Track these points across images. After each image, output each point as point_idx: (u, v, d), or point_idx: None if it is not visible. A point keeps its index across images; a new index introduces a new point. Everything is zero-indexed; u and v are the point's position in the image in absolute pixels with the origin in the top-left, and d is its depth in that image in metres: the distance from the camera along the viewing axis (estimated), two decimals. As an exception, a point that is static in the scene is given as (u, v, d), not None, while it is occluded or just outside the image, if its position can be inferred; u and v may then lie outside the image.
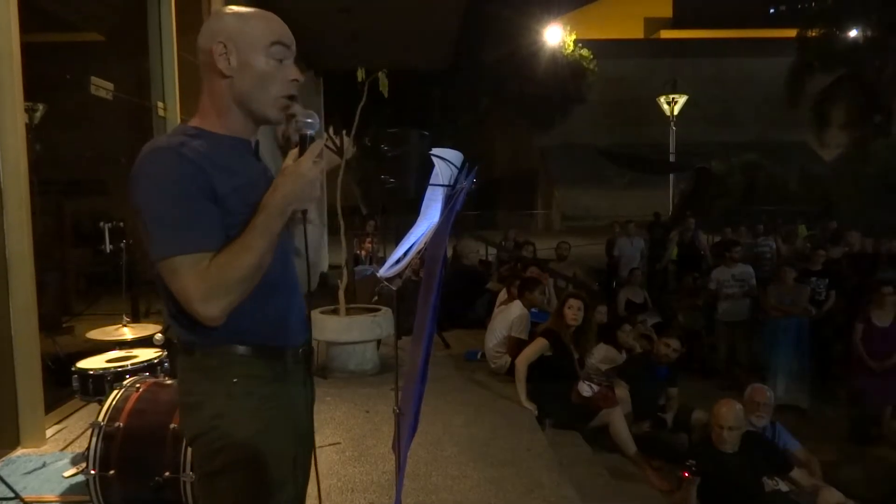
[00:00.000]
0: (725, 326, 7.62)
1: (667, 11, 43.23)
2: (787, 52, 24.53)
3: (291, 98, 1.54)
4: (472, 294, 8.19)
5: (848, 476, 5.28)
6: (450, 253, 9.49)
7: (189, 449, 2.61)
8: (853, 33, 22.85)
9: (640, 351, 6.08)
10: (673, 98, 19.90)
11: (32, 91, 4.09)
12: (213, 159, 1.44)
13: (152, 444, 2.72)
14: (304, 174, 1.42)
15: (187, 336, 1.50)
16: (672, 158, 20.51)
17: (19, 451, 3.81)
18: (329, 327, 5.66)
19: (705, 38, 34.51)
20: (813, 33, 23.30)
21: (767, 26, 37.89)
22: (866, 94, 21.65)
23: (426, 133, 4.75)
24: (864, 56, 22.13)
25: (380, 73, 5.53)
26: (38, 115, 4.93)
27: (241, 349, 1.50)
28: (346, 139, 6.76)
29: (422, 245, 1.65)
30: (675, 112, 19.96)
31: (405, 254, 1.64)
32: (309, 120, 1.50)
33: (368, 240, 9.73)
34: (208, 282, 1.35)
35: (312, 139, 1.49)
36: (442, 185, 1.62)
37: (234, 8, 1.54)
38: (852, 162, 20.08)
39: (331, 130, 8.17)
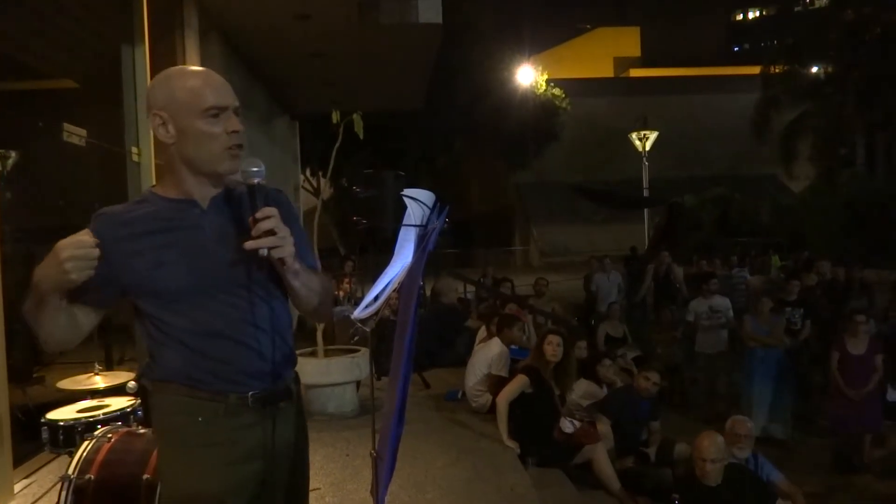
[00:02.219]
0: (704, 358, 7.64)
1: (635, 51, 44.52)
2: (753, 89, 25.28)
3: (238, 147, 1.58)
4: (452, 332, 8.15)
5: (831, 506, 5.29)
6: (428, 292, 9.47)
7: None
8: (814, 69, 23.64)
9: (620, 385, 6.07)
10: (644, 134, 20.33)
11: (4, 139, 4.07)
12: (137, 223, 1.59)
13: (125, 496, 2.64)
14: (56, 253, 1.43)
15: (148, 377, 1.67)
16: (646, 193, 20.84)
17: (-14, 508, 3.68)
18: (307, 369, 5.58)
19: (673, 76, 35.51)
20: (776, 70, 24.06)
21: (732, 64, 39.13)
22: (830, 127, 22.30)
23: (402, 173, 4.79)
24: (825, 91, 22.86)
25: (355, 115, 5.57)
26: (10, 162, 4.89)
27: (180, 389, 1.59)
28: (322, 180, 6.79)
29: (395, 286, 1.65)
30: (647, 148, 20.37)
31: (378, 295, 1.64)
32: (254, 168, 1.53)
33: (347, 280, 9.70)
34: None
35: (263, 188, 1.54)
36: (414, 226, 1.63)
37: (168, 73, 1.61)
38: (821, 193, 20.54)
39: (307, 172, 8.19)
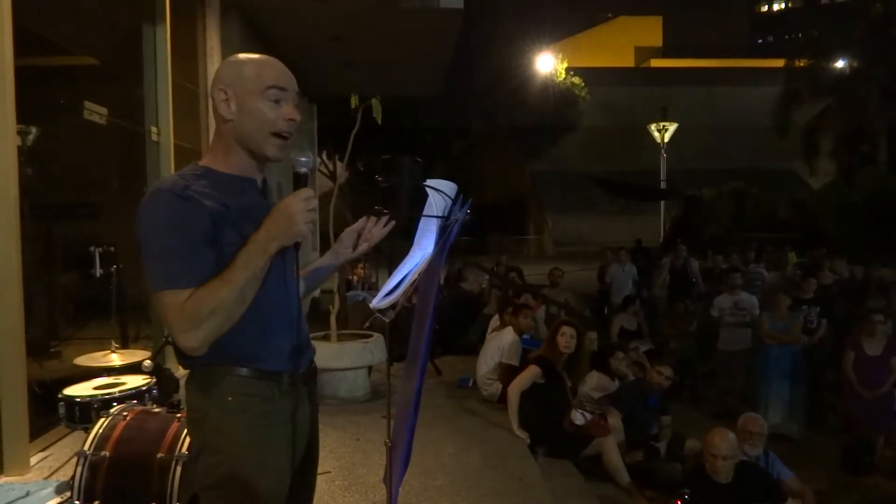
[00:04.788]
0: (726, 356, 7.43)
1: (657, 41, 43.95)
2: (775, 82, 24.94)
3: (286, 136, 1.63)
4: (468, 319, 8.15)
5: (841, 506, 5.26)
6: (442, 279, 9.46)
7: (175, 479, 2.59)
8: (839, 64, 23.25)
9: (632, 378, 6.05)
10: (663, 126, 20.15)
11: (25, 114, 4.08)
12: (215, 197, 1.55)
13: (139, 474, 2.66)
14: (289, 211, 1.51)
15: (187, 359, 1.59)
16: (663, 185, 20.67)
17: (2, 479, 3.73)
18: (320, 353, 5.53)
19: (694, 67, 35.07)
20: (800, 63, 23.69)
21: (755, 56, 38.56)
22: (853, 122, 21.97)
23: (419, 159, 4.76)
24: (850, 86, 22.49)
25: (373, 100, 5.55)
26: (31, 137, 4.91)
27: (237, 370, 1.59)
28: (339, 164, 6.78)
29: (415, 276, 1.64)
30: (666, 139, 20.18)
31: (398, 285, 1.63)
32: (302, 159, 1.60)
33: (361, 265, 9.71)
34: (185, 314, 1.46)
35: (306, 177, 1.60)
36: (436, 217, 1.62)
37: (238, 56, 1.67)
38: (840, 190, 20.27)
39: (324, 155, 8.17)
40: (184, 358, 1.58)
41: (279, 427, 1.62)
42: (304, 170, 1.59)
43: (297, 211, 1.51)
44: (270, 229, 1.50)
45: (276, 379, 1.62)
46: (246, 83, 1.60)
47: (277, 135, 1.61)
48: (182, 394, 1.83)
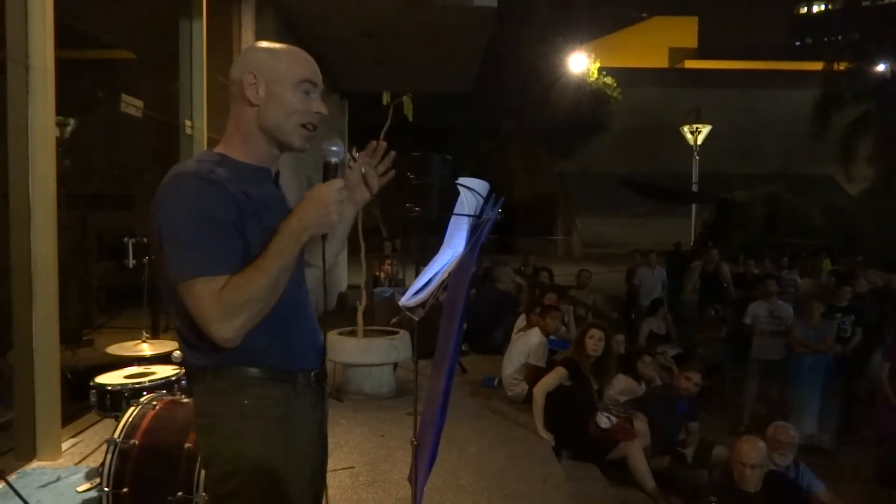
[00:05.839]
0: (759, 365, 7.15)
1: (692, 42, 43.38)
2: (813, 85, 24.39)
3: (313, 128, 1.61)
4: (501, 319, 8.10)
5: (873, 520, 5.13)
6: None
7: (202, 470, 2.61)
8: (881, 67, 22.68)
9: (659, 383, 5.98)
10: (696, 128, 19.85)
11: (64, 106, 4.16)
12: (236, 184, 1.49)
13: (166, 463, 2.70)
14: (323, 200, 1.47)
15: (200, 359, 1.53)
16: (695, 188, 20.38)
17: (34, 464, 3.81)
18: (346, 349, 5.63)
19: (730, 69, 34.54)
20: (840, 66, 23.16)
21: (793, 59, 37.83)
22: (894, 128, 21.41)
23: (448, 157, 4.75)
24: (891, 90, 21.92)
25: (405, 98, 5.55)
26: (69, 129, 5.01)
27: (253, 371, 1.53)
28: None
29: (445, 275, 1.63)
30: (699, 142, 19.88)
31: (427, 283, 1.62)
32: (333, 148, 1.57)
33: (388, 261, 9.73)
34: (222, 303, 1.39)
35: (336, 167, 1.56)
36: (467, 215, 1.60)
37: (267, 43, 1.64)
38: (879, 196, 19.77)
39: (354, 151, 8.21)
40: (203, 358, 1.52)
41: (296, 431, 1.58)
42: (335, 160, 1.57)
43: (331, 201, 1.47)
44: (303, 217, 1.46)
45: (292, 380, 1.58)
46: (278, 71, 1.57)
47: (305, 126, 1.59)
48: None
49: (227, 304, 1.39)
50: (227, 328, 1.41)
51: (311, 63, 1.62)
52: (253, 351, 1.51)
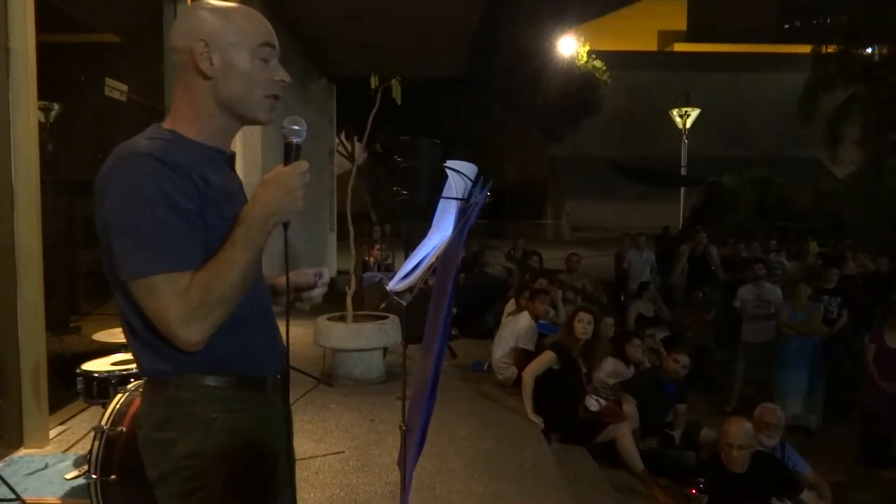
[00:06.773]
0: (748, 347, 7.27)
1: (681, 24, 43.29)
2: (802, 68, 24.44)
3: (276, 98, 1.47)
4: (490, 303, 8.13)
5: (858, 499, 5.21)
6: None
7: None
8: (869, 50, 22.73)
9: (648, 366, 6.02)
10: (685, 111, 19.86)
11: (47, 90, 4.10)
12: (192, 168, 1.34)
13: (155, 449, 2.69)
14: (288, 184, 1.33)
15: (159, 364, 1.36)
16: (684, 172, 20.42)
17: (22, 452, 3.80)
18: (335, 334, 5.63)
19: (719, 52, 34.49)
20: (828, 49, 23.19)
21: (782, 42, 37.85)
22: (882, 111, 21.50)
23: (437, 141, 4.73)
24: (879, 73, 21.98)
25: (393, 81, 5.52)
26: (53, 114, 4.94)
27: (220, 380, 1.39)
28: (357, 145, 6.77)
29: (433, 259, 1.61)
30: (688, 125, 19.90)
31: (415, 267, 1.61)
32: (295, 127, 1.41)
33: (377, 246, 9.72)
34: (190, 302, 1.25)
35: (299, 147, 1.42)
36: (455, 199, 1.59)
37: (213, 3, 1.43)
38: (865, 179, 19.91)
39: (342, 136, 8.15)
40: (162, 363, 1.35)
41: (265, 443, 1.46)
42: (297, 139, 1.41)
43: (297, 185, 1.33)
44: (268, 203, 1.32)
45: (261, 387, 1.46)
46: (233, 37, 1.39)
47: (268, 97, 1.44)
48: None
49: (197, 304, 1.25)
50: (195, 331, 1.26)
51: (266, 23, 1.45)
52: (216, 356, 1.36)
